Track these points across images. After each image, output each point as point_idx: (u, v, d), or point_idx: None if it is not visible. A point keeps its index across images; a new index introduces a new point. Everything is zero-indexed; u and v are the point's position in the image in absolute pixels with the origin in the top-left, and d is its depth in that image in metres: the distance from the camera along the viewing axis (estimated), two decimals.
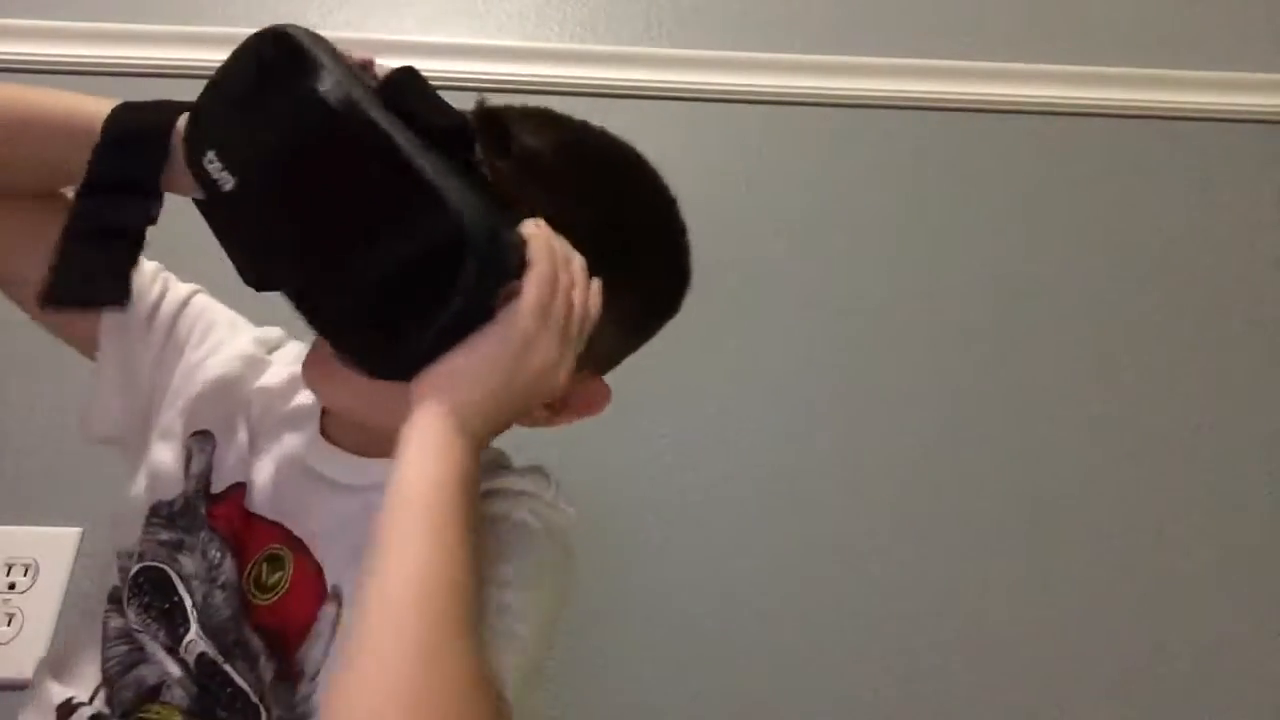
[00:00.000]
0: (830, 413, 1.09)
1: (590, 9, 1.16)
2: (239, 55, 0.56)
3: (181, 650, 0.63)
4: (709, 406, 1.07)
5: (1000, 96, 1.15)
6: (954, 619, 1.03)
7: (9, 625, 0.91)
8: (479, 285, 0.52)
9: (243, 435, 0.69)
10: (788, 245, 1.13)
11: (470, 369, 0.52)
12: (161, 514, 0.67)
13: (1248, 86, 1.15)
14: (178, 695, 0.63)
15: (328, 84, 0.52)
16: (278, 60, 0.54)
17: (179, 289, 0.72)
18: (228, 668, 0.62)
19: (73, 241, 0.59)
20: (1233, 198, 1.15)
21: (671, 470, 1.07)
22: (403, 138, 0.52)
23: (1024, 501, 1.07)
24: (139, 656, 0.64)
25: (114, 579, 0.67)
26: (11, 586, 0.94)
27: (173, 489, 0.68)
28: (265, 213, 0.55)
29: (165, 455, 0.68)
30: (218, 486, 0.68)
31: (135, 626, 0.64)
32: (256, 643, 0.62)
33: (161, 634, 0.64)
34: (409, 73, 0.56)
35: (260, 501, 0.66)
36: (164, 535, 0.67)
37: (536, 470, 0.68)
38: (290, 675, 0.61)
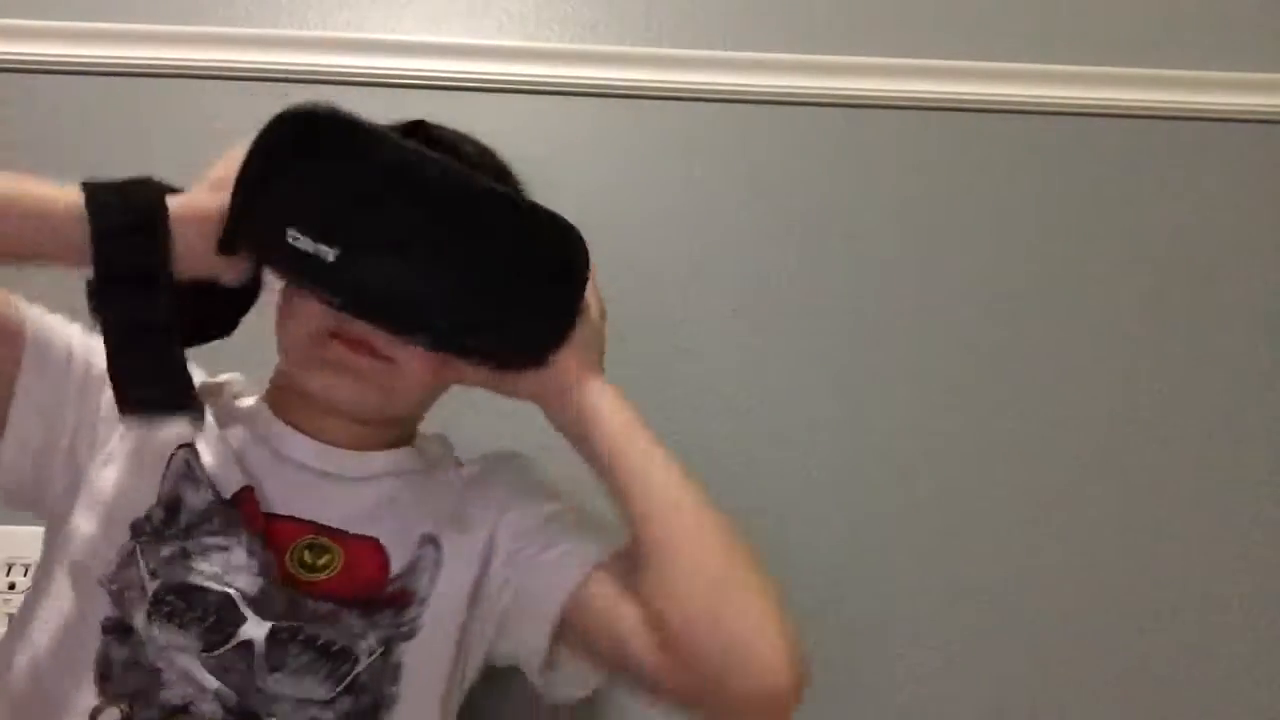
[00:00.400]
0: (831, 413, 1.09)
1: (590, 9, 1.16)
2: (274, 140, 0.62)
3: (232, 643, 0.64)
4: (709, 407, 1.07)
5: (1000, 96, 1.15)
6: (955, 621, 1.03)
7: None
8: (587, 277, 0.68)
9: (217, 438, 0.71)
10: (788, 245, 1.13)
11: (589, 341, 0.70)
12: (147, 530, 0.67)
13: (1248, 86, 1.15)
14: (207, 710, 0.63)
15: (429, 158, 0.63)
16: (334, 134, 0.62)
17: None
18: (305, 632, 0.66)
19: (122, 350, 0.63)
20: (1233, 198, 1.15)
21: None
22: (497, 185, 0.66)
23: (1021, 502, 1.07)
24: (157, 680, 0.64)
25: (105, 609, 0.65)
26: (12, 586, 0.94)
27: (142, 504, 0.68)
28: (400, 270, 0.64)
29: (116, 475, 0.69)
30: (227, 490, 0.69)
31: (161, 644, 0.64)
32: (327, 606, 0.67)
33: (198, 643, 0.64)
34: (423, 124, 0.70)
35: (275, 501, 0.70)
36: (165, 550, 0.66)
37: (441, 437, 0.83)
38: (392, 603, 0.69)
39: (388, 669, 0.67)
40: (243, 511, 0.68)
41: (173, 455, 0.69)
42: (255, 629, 0.65)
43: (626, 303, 1.06)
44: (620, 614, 0.65)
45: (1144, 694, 1.03)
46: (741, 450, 1.08)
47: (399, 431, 0.78)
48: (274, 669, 0.65)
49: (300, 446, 0.73)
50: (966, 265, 1.13)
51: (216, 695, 0.64)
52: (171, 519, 0.68)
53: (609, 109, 1.14)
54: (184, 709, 0.63)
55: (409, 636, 0.68)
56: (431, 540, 0.71)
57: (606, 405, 0.68)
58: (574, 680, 0.73)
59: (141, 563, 0.66)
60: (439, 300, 0.65)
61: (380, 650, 0.67)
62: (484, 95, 1.12)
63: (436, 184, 0.64)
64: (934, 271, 1.12)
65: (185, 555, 0.66)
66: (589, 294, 0.69)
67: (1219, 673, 1.04)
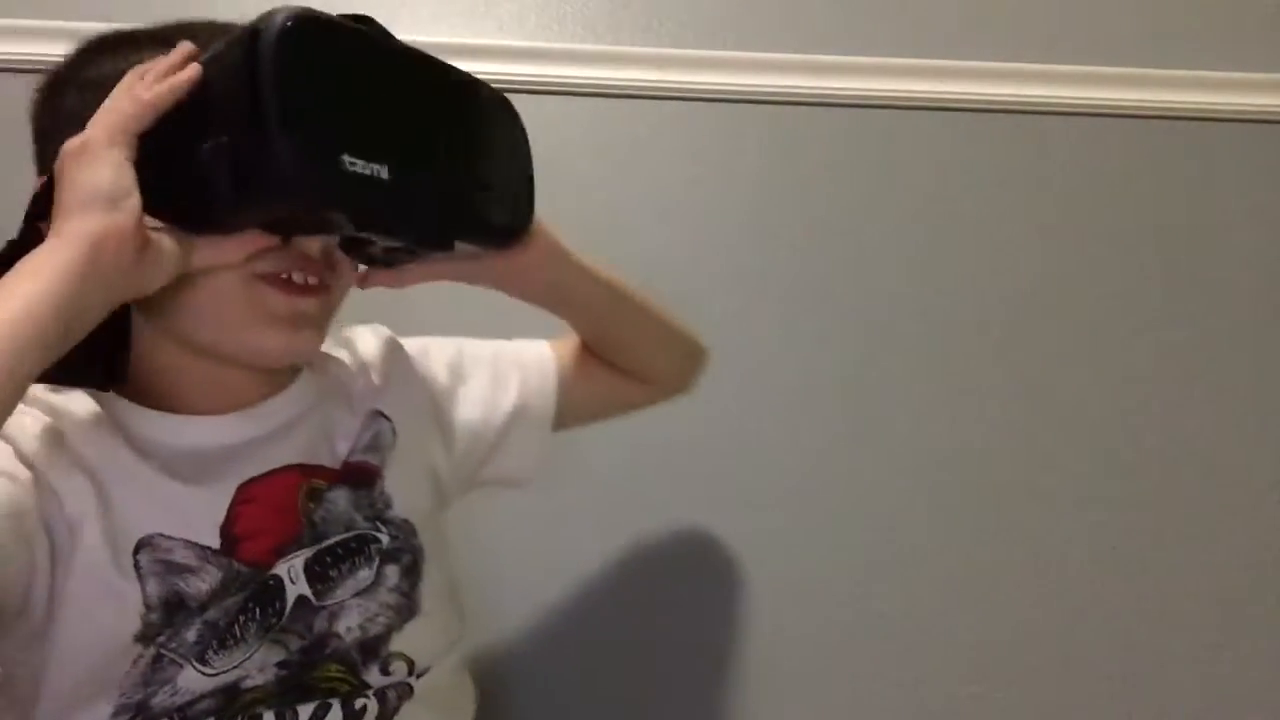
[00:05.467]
0: (833, 412, 1.09)
1: (590, 9, 1.16)
2: (280, 64, 0.53)
3: (288, 613, 0.65)
4: (711, 408, 1.07)
5: (1001, 96, 1.15)
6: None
7: None
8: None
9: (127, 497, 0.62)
10: (788, 246, 1.13)
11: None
12: (155, 636, 0.61)
13: (1248, 86, 1.15)
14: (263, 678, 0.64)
15: (415, 53, 0.62)
16: (328, 39, 0.56)
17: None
18: (327, 546, 0.68)
19: None
20: (1233, 198, 1.15)
21: (675, 472, 1.07)
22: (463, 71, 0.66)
23: (1021, 501, 1.07)
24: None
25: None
26: None
27: (132, 619, 0.61)
28: (434, 178, 0.60)
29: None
30: (208, 540, 0.63)
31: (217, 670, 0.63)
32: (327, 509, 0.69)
33: (258, 640, 0.64)
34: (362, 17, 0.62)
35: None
36: (190, 633, 0.62)
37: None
38: (373, 478, 0.72)
39: (401, 529, 0.71)
40: (242, 551, 0.64)
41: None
42: (295, 586, 0.66)
43: None
44: (593, 388, 0.86)
45: (1146, 695, 1.04)
46: (741, 450, 1.08)
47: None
48: (321, 593, 0.67)
49: (218, 427, 0.67)
50: (966, 265, 1.13)
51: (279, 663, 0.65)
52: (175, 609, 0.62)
53: (609, 109, 1.14)
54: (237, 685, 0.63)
55: (389, 505, 0.72)
56: (382, 416, 0.74)
57: (582, 259, 0.76)
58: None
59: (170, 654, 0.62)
60: (456, 199, 0.62)
61: (378, 521, 0.70)
62: None
63: (432, 79, 0.62)
64: (934, 271, 1.12)
65: (210, 620, 0.63)
66: None
67: (1219, 673, 1.04)
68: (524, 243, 0.68)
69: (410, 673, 0.69)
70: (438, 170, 0.60)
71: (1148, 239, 1.14)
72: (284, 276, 0.63)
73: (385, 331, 0.82)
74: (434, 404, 0.80)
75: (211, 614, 0.63)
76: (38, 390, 0.64)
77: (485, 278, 0.73)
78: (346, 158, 0.54)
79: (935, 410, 1.09)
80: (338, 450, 0.71)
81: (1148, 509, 1.08)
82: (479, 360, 0.84)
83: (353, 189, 0.55)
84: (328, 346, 0.75)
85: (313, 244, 0.64)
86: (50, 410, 0.64)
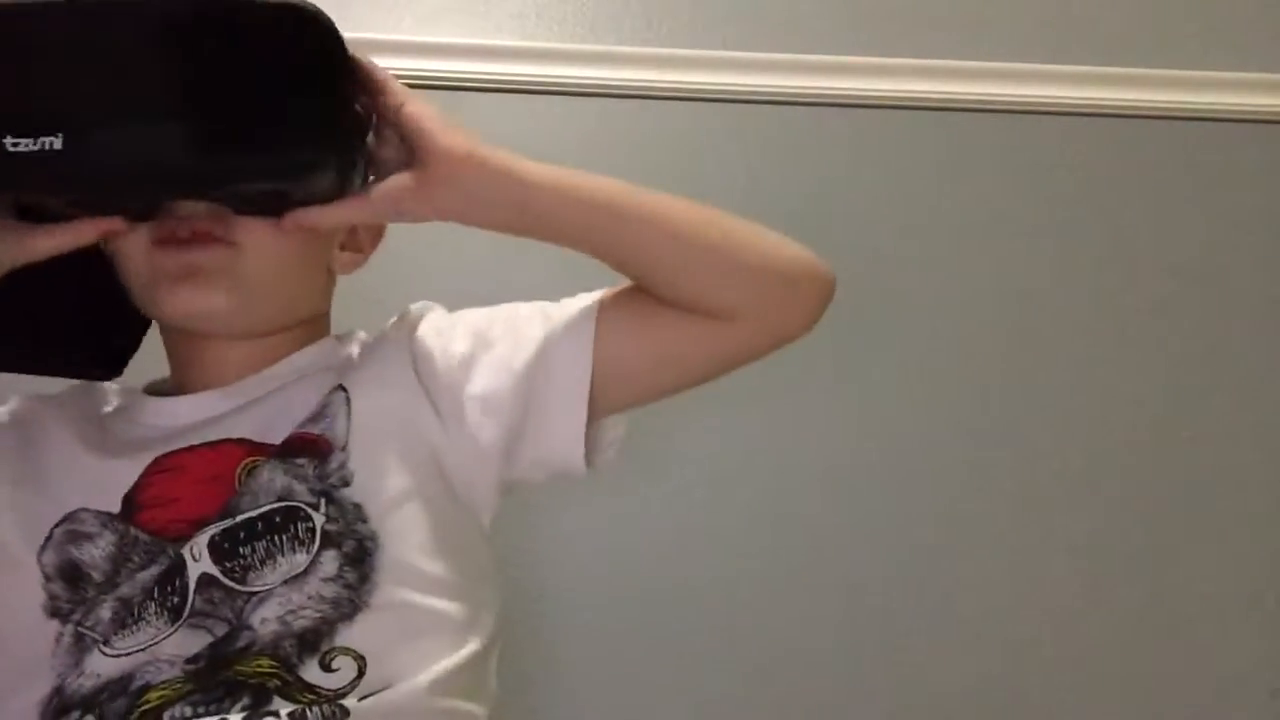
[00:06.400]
0: (829, 411, 1.09)
1: (590, 9, 1.16)
2: None
3: (190, 592, 0.60)
4: (709, 409, 1.07)
5: (1001, 97, 1.15)
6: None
7: None
8: (340, 52, 0.65)
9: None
10: None
11: (446, 116, 0.65)
12: (69, 613, 0.61)
13: (1248, 86, 1.15)
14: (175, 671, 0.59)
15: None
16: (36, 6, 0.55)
17: None
18: (240, 521, 0.62)
19: None
20: (1233, 198, 1.15)
21: (679, 473, 1.07)
22: None
23: (1021, 501, 1.07)
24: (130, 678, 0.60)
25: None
26: None
27: (34, 590, 0.62)
28: (139, 128, 0.56)
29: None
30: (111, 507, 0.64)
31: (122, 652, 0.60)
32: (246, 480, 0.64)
33: (165, 623, 0.60)
34: None
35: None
36: (104, 610, 0.61)
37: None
38: (305, 450, 0.65)
39: (346, 510, 0.63)
40: (145, 518, 0.63)
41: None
42: (197, 564, 0.61)
43: None
44: (657, 337, 0.69)
45: (1147, 695, 1.04)
46: (742, 449, 1.08)
47: (299, 335, 0.72)
48: (235, 574, 0.61)
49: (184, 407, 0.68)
50: (966, 265, 1.13)
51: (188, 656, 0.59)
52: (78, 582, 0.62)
53: (609, 109, 1.13)
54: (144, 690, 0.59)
55: (346, 483, 0.64)
56: (339, 388, 0.67)
57: (530, 170, 0.65)
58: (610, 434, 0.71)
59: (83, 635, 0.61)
60: (193, 142, 0.58)
61: (324, 499, 0.63)
62: (484, 95, 1.12)
63: (157, 20, 0.57)
64: (934, 271, 1.12)
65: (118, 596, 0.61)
66: (383, 80, 0.64)
67: (1221, 674, 1.04)
68: (345, 174, 0.62)
69: (359, 674, 0.59)
70: (149, 119, 0.57)
71: (1148, 239, 1.14)
72: (175, 235, 0.64)
73: (424, 308, 0.75)
74: (427, 376, 0.70)
75: (125, 590, 0.61)
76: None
77: (407, 210, 0.65)
78: (8, 140, 0.54)
79: (932, 407, 1.09)
80: (294, 427, 0.67)
81: (1147, 509, 1.08)
82: (512, 322, 0.71)
83: (18, 169, 0.55)
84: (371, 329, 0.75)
85: (186, 206, 0.64)
86: (84, 390, 0.72)
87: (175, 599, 0.60)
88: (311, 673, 0.59)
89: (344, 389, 0.67)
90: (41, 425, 0.69)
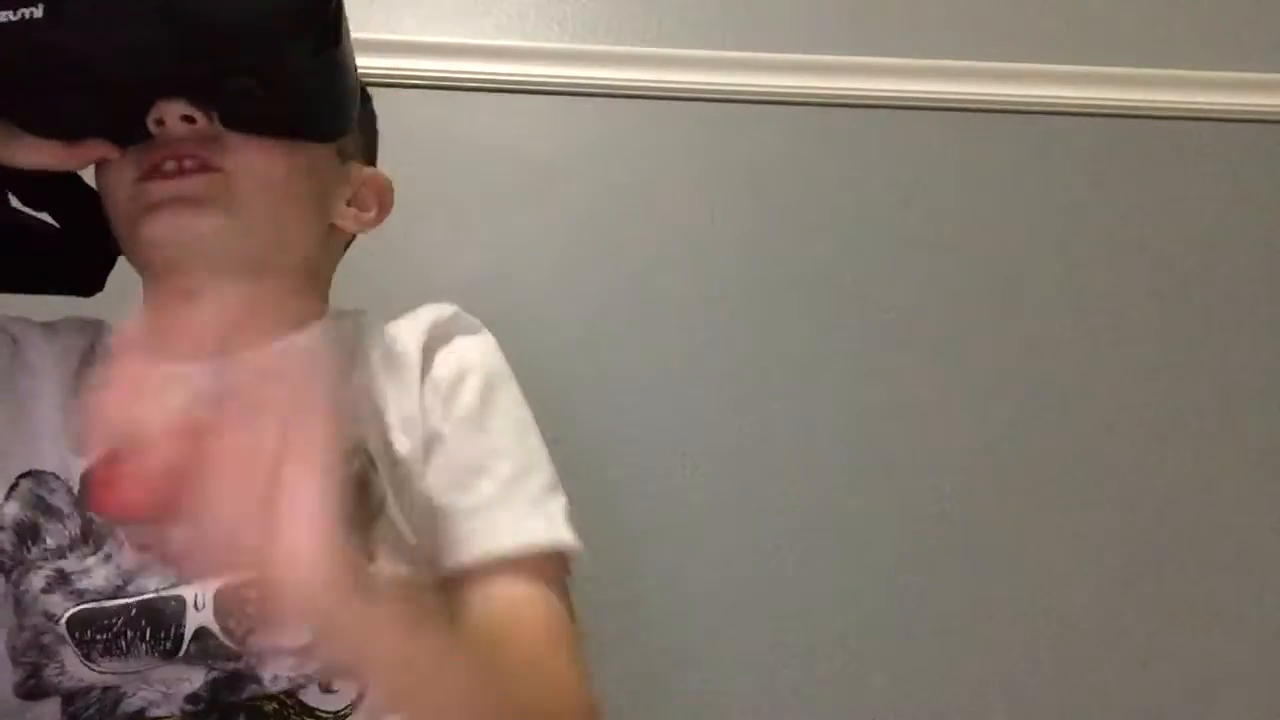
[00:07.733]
0: (832, 410, 1.09)
1: (591, 9, 1.16)
2: None
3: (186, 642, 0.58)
4: (710, 408, 1.07)
5: (1001, 97, 1.15)
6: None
7: None
8: None
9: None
10: (788, 246, 1.13)
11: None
12: (10, 567, 0.60)
13: (1248, 86, 1.15)
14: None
15: None
16: None
17: None
18: None
19: None
20: (1233, 198, 1.15)
21: (680, 471, 1.07)
22: None
23: (1020, 500, 1.07)
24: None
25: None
26: None
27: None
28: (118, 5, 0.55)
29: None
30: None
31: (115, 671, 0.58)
32: None
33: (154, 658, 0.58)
34: None
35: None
36: (37, 579, 0.59)
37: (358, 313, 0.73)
38: None
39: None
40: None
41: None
42: (199, 614, 0.58)
43: (625, 302, 1.06)
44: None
45: (1148, 695, 1.04)
46: (744, 448, 1.08)
47: (294, 284, 0.69)
48: (236, 636, 0.57)
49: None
50: (966, 265, 1.13)
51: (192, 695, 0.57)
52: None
53: (609, 109, 1.13)
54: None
55: None
56: (361, 449, 0.64)
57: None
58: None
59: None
60: (173, 11, 0.56)
61: None
62: (484, 95, 1.12)
63: None
64: (934, 271, 1.12)
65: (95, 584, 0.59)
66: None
67: (1221, 674, 1.04)
68: (322, 44, 0.62)
69: (360, 695, 0.57)
70: None
71: (1148, 238, 1.14)
72: (160, 168, 0.62)
73: (446, 333, 0.71)
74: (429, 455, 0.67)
75: (68, 563, 0.59)
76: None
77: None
78: None
79: (936, 408, 1.09)
80: None
81: (1148, 508, 1.08)
82: (495, 451, 0.67)
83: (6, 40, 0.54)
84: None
85: (174, 129, 0.62)
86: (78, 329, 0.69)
87: (168, 644, 0.57)
88: (312, 695, 0.58)
89: (367, 451, 0.63)
90: (36, 349, 0.66)
